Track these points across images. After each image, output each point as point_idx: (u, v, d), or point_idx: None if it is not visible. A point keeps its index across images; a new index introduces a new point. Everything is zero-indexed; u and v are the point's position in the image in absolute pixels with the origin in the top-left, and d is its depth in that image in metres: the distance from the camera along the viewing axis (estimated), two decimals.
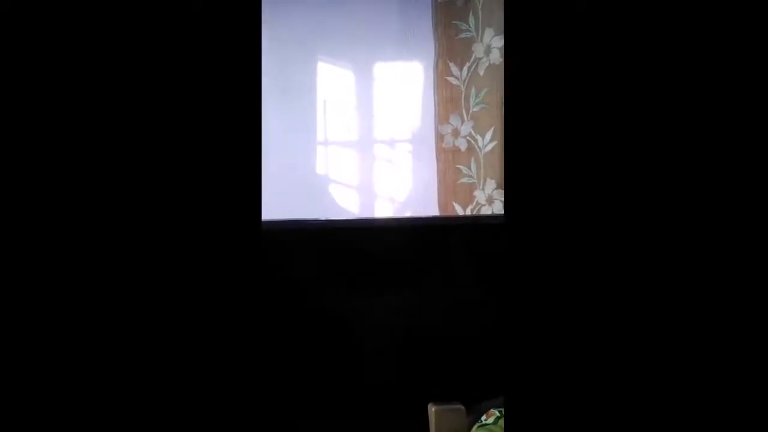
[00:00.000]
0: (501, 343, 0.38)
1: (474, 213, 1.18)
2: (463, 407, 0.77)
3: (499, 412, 0.74)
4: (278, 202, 0.93)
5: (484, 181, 1.19)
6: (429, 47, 1.18)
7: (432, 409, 0.77)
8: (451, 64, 1.17)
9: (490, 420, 0.74)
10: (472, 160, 1.20)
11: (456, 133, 1.20)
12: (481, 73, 1.16)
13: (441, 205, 1.21)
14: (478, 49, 1.16)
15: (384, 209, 1.16)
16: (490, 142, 1.18)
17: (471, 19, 1.16)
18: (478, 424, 0.75)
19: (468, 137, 1.19)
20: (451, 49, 1.17)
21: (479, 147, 1.19)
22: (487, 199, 1.18)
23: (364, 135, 1.24)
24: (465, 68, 1.17)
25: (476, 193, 1.20)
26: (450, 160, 1.20)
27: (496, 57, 1.15)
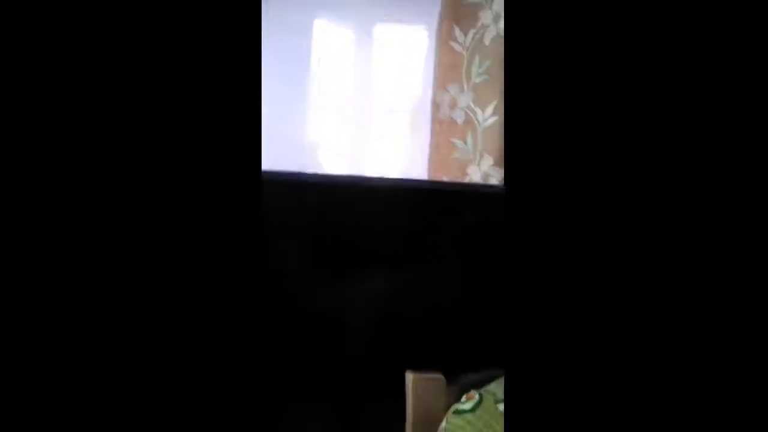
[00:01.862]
0: (499, 322, 0.39)
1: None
2: (442, 377, 0.67)
3: (479, 395, 0.64)
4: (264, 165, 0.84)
5: (481, 156, 1.10)
6: (435, 9, 1.10)
7: (410, 377, 0.67)
8: (456, 28, 1.10)
9: (468, 405, 0.64)
10: (469, 134, 1.11)
11: (453, 104, 1.11)
12: (487, 42, 1.09)
13: (431, 178, 1.12)
14: (485, 16, 1.09)
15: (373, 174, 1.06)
16: (491, 116, 1.09)
17: None
18: (454, 408, 0.65)
19: (467, 109, 1.11)
20: (457, 11, 1.09)
21: (478, 121, 1.10)
22: (483, 176, 1.09)
23: (357, 99, 1.15)
24: (470, 35, 1.10)
25: (470, 169, 1.11)
26: (445, 132, 1.11)
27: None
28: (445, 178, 1.11)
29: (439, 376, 0.65)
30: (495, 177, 1.09)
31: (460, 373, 0.71)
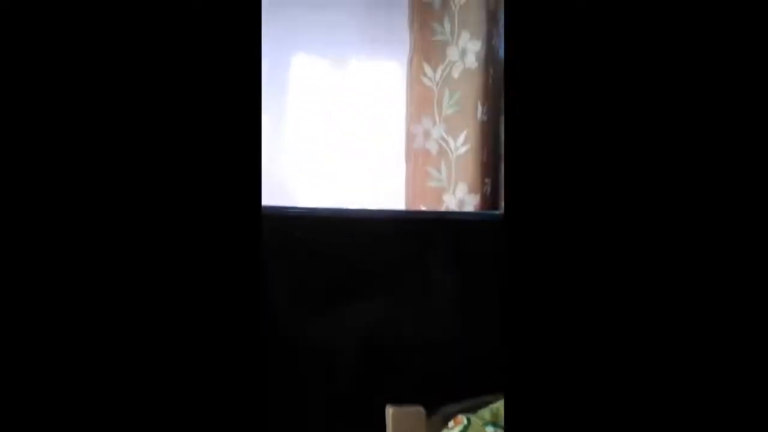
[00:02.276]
0: (502, 344, 0.38)
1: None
2: (422, 409, 0.71)
3: (467, 419, 0.68)
4: None
5: (455, 185, 1.15)
6: (404, 47, 1.16)
7: (390, 410, 0.70)
8: (425, 65, 1.15)
9: (456, 429, 0.68)
10: (443, 163, 1.16)
11: (427, 135, 1.16)
12: (456, 76, 1.14)
13: (409, 207, 1.16)
14: (452, 53, 1.15)
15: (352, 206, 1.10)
16: (462, 145, 1.15)
17: (446, 22, 1.15)
18: None
19: (440, 140, 1.16)
20: (426, 48, 1.15)
21: (451, 150, 1.16)
22: (458, 203, 1.14)
23: (332, 130, 1.19)
24: (439, 70, 1.15)
25: (446, 197, 1.16)
26: (420, 162, 1.16)
27: (471, 61, 1.13)
28: (422, 207, 1.16)
29: (419, 409, 0.69)
30: (470, 204, 1.14)
31: (443, 403, 0.75)
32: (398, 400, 0.73)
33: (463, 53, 1.14)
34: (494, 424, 0.65)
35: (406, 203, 1.16)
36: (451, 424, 0.69)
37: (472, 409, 0.72)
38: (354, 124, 1.20)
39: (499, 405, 0.69)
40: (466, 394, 0.77)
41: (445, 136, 1.16)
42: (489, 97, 1.15)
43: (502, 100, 1.19)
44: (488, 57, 1.14)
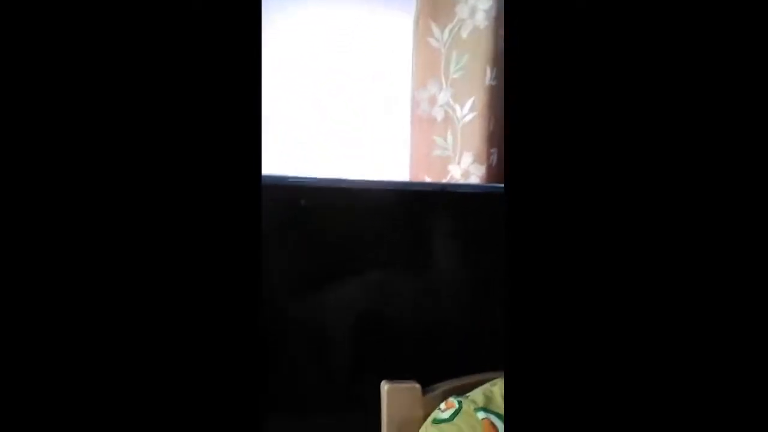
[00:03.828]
0: (501, 326, 0.37)
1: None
2: (418, 385, 0.68)
3: (458, 402, 0.65)
4: None
5: (461, 154, 1.10)
6: (411, 6, 1.09)
7: (385, 386, 0.68)
8: (433, 25, 1.08)
9: (447, 414, 0.65)
10: (449, 131, 1.11)
11: (433, 101, 1.10)
12: (464, 36, 1.08)
13: (412, 178, 1.12)
14: (462, 10, 1.07)
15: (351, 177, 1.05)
16: (469, 112, 1.09)
17: None
18: (433, 417, 0.65)
19: (445, 106, 1.10)
20: (433, 7, 1.07)
21: (457, 117, 1.10)
22: (463, 174, 1.09)
23: (334, 94, 1.14)
24: (447, 30, 1.08)
25: (451, 167, 1.10)
26: (425, 130, 1.11)
27: (481, 19, 1.06)
28: (427, 177, 1.11)
29: (415, 385, 0.66)
30: (475, 174, 1.09)
31: (440, 379, 0.72)
32: (395, 376, 0.71)
33: (473, 11, 1.07)
34: (485, 409, 0.62)
35: (410, 174, 1.12)
36: (443, 406, 0.65)
37: (468, 389, 0.68)
38: (355, 87, 1.14)
39: (493, 387, 0.65)
40: (464, 371, 0.74)
41: (452, 102, 1.10)
42: (499, 60, 1.09)
43: None
44: (499, 16, 1.07)
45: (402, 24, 1.12)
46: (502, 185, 1.11)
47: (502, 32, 1.08)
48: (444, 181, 1.10)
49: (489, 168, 1.10)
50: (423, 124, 1.11)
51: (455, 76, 1.09)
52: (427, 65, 1.09)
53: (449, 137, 1.10)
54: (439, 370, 0.74)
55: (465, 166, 1.09)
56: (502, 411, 0.60)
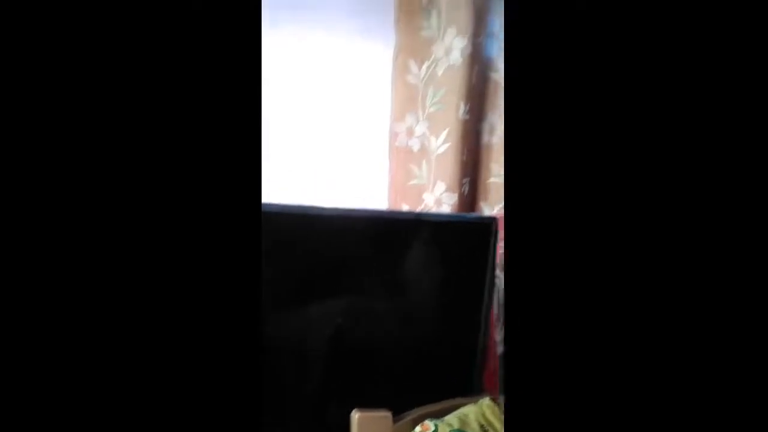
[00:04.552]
0: (505, 347, 0.39)
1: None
2: (389, 413, 0.75)
3: (434, 425, 0.72)
4: None
5: (434, 183, 1.17)
6: (390, 40, 1.15)
7: (355, 415, 0.74)
8: (411, 62, 1.15)
9: None
10: (424, 161, 1.18)
11: (410, 133, 1.17)
12: (440, 73, 1.14)
13: (391, 205, 1.19)
14: (438, 49, 1.14)
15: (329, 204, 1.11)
16: (443, 143, 1.16)
17: (433, 18, 1.14)
18: None
19: (422, 137, 1.17)
20: (412, 45, 1.14)
21: (432, 149, 1.17)
22: (436, 201, 1.17)
23: (315, 124, 1.20)
24: (424, 67, 1.15)
25: (425, 195, 1.18)
26: (402, 160, 1.18)
27: (456, 58, 1.13)
28: (404, 205, 1.18)
29: (386, 414, 0.72)
30: (447, 203, 1.16)
31: (413, 405, 0.78)
32: (368, 402, 0.77)
33: (449, 50, 1.13)
34: (461, 431, 0.69)
35: (389, 201, 1.19)
36: (418, 429, 0.72)
37: (439, 415, 0.75)
38: (338, 121, 1.20)
39: (468, 411, 0.72)
40: (437, 397, 0.80)
41: (428, 134, 1.17)
42: (472, 95, 1.16)
43: (484, 100, 1.19)
44: (473, 54, 1.14)
45: (381, 55, 1.18)
46: (474, 214, 1.19)
47: (475, 70, 1.15)
48: (419, 208, 1.17)
49: (461, 196, 1.18)
50: (401, 154, 1.18)
51: (431, 110, 1.16)
52: (406, 100, 1.16)
53: (424, 166, 1.17)
54: (412, 395, 0.80)
55: (438, 195, 1.17)
56: None
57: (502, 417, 0.63)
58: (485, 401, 0.67)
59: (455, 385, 0.86)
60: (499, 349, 1.11)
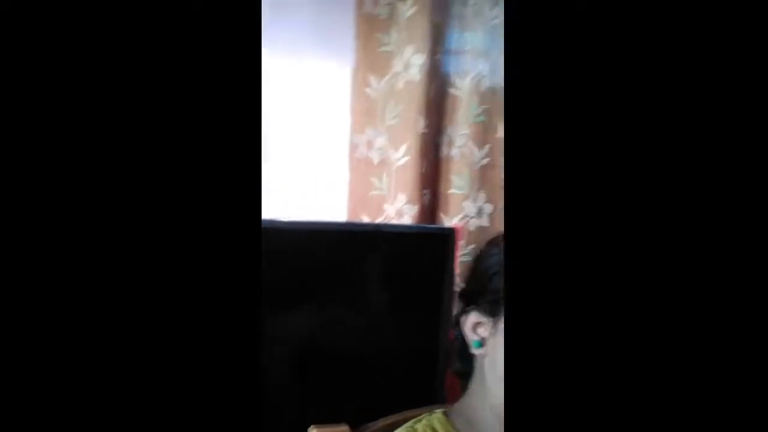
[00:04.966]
0: (506, 359, 0.37)
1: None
2: (347, 427, 0.75)
3: None
4: None
5: (395, 195, 1.19)
6: (349, 54, 1.17)
7: (313, 431, 0.74)
8: (371, 76, 1.17)
9: None
10: (384, 173, 1.20)
11: (370, 145, 1.19)
12: (399, 87, 1.17)
13: (351, 216, 1.20)
14: (397, 64, 1.17)
15: (291, 217, 1.12)
16: (403, 156, 1.18)
17: (393, 34, 1.16)
18: None
19: (381, 150, 1.19)
20: (371, 60, 1.16)
21: (392, 161, 1.19)
22: (397, 212, 1.18)
23: (275, 136, 1.20)
24: (384, 81, 1.17)
25: (386, 206, 1.19)
26: (362, 171, 1.19)
27: (415, 73, 1.16)
28: (364, 216, 1.19)
29: (344, 428, 0.73)
30: (408, 214, 1.18)
31: (372, 417, 0.79)
32: (329, 414, 0.77)
33: (407, 65, 1.16)
34: None
35: (348, 212, 1.20)
36: None
37: (397, 426, 0.76)
38: (299, 133, 1.20)
39: (417, 425, 0.73)
40: (399, 407, 0.81)
41: (388, 147, 1.19)
42: (430, 110, 1.19)
43: (443, 114, 1.22)
44: (431, 71, 1.17)
45: (341, 69, 1.20)
46: (434, 225, 1.22)
47: (434, 85, 1.19)
48: (380, 219, 1.19)
49: (422, 207, 1.20)
50: (361, 166, 1.19)
51: (391, 123, 1.18)
52: (365, 112, 1.18)
53: (384, 178, 1.19)
54: (374, 406, 0.81)
55: (399, 206, 1.19)
56: None
57: (452, 430, 0.65)
58: (437, 414, 0.68)
59: (418, 395, 0.87)
60: None
